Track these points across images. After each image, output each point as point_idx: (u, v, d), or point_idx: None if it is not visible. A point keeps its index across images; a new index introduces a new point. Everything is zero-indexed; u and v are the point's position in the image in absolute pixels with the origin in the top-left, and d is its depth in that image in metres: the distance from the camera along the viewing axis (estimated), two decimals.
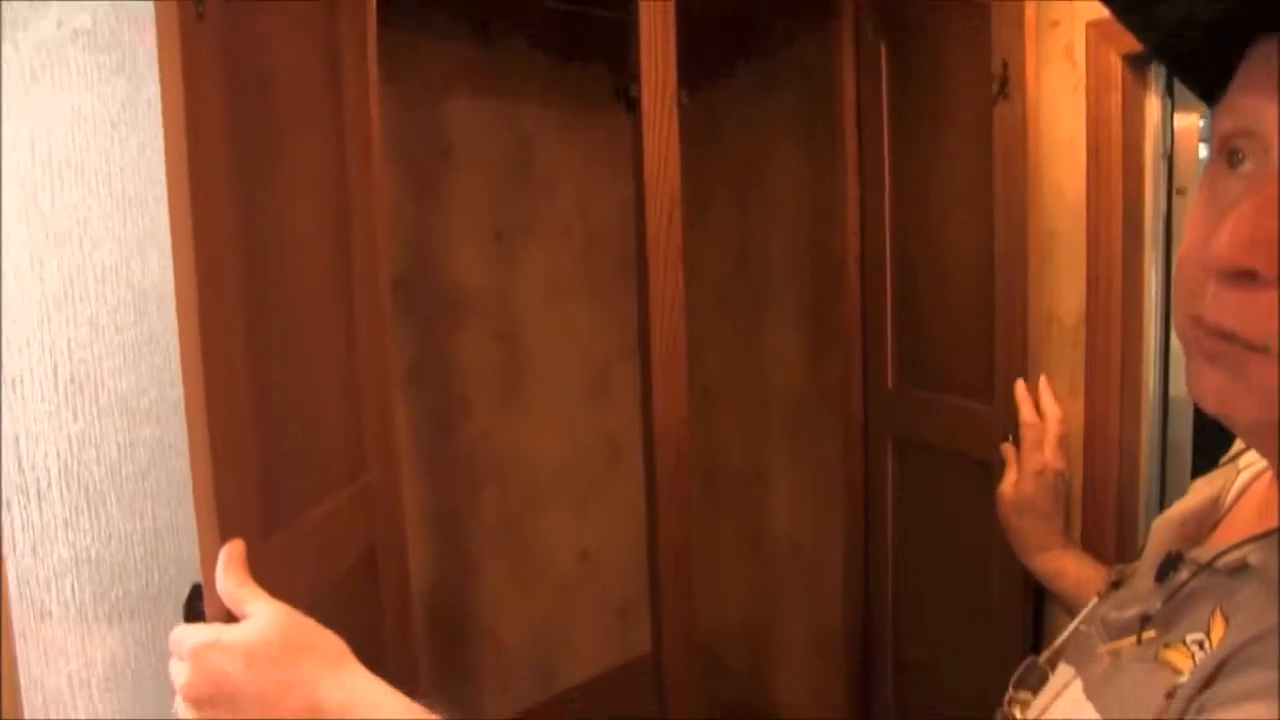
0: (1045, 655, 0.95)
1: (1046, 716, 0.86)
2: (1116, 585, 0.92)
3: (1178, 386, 1.53)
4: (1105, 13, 0.64)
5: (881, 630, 1.87)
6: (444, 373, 2.02)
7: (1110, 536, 1.47)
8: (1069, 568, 1.37)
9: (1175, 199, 1.45)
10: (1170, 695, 0.68)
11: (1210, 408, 0.64)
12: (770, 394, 2.25)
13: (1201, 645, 0.68)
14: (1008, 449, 1.50)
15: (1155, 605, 0.78)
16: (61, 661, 0.93)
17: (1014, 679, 0.96)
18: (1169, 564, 0.82)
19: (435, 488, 2.03)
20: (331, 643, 0.83)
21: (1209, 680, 0.64)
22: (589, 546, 2.37)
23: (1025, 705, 0.92)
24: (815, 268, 2.09)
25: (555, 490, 2.27)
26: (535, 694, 2.27)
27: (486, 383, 2.10)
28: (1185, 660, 0.68)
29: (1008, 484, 1.47)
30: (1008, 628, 1.53)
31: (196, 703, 0.79)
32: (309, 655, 0.80)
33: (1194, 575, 0.76)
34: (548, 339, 2.19)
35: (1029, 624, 1.53)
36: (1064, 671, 0.87)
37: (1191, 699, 0.65)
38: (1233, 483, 0.88)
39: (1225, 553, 0.73)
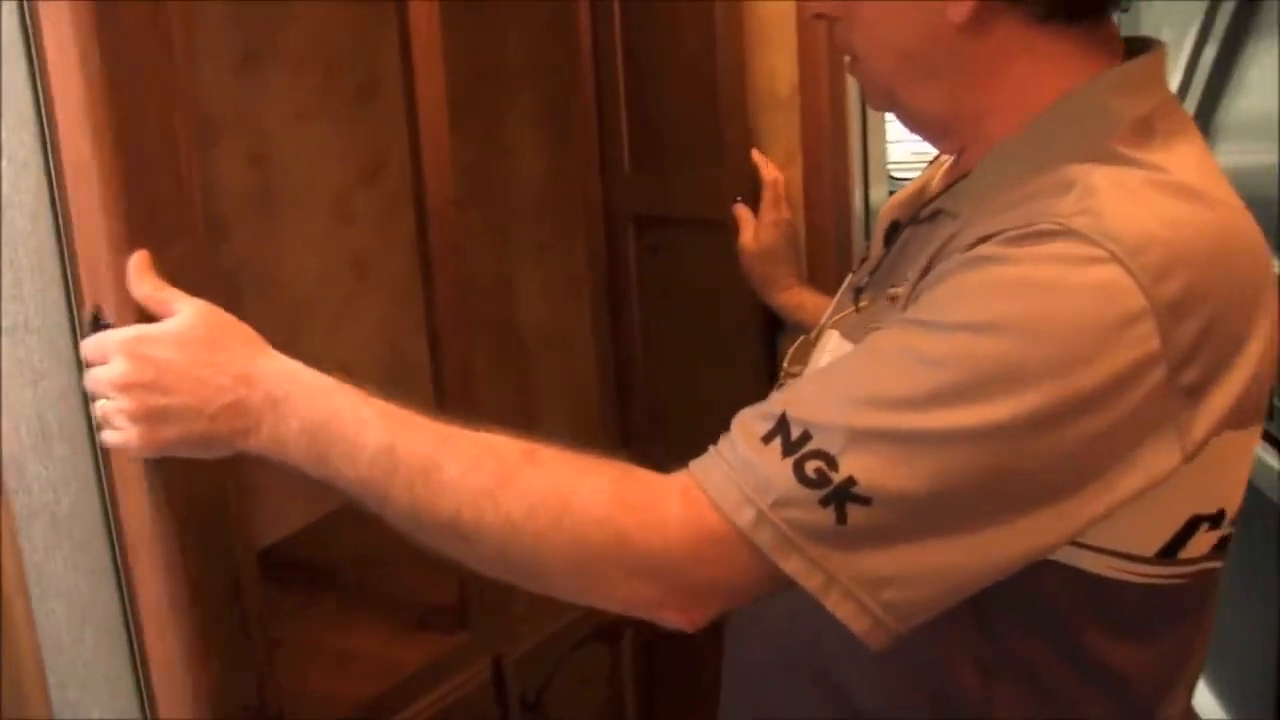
0: (814, 331, 1.14)
1: (816, 367, 1.07)
2: (863, 261, 1.14)
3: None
4: None
5: (630, 390, 2.08)
6: (204, 193, 2.03)
7: (832, 275, 1.72)
8: (806, 300, 1.64)
9: None
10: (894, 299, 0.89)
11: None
12: (514, 196, 2.37)
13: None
14: (740, 208, 1.73)
15: (881, 259, 1.02)
16: None
17: (789, 355, 1.16)
18: (892, 230, 1.04)
19: None
20: (251, 332, 0.93)
21: (920, 277, 0.85)
22: (348, 366, 2.45)
23: (799, 374, 1.10)
24: (550, 63, 2.20)
25: (311, 311, 2.33)
26: (297, 522, 2.31)
27: (242, 205, 2.12)
28: (908, 290, 0.89)
29: (747, 236, 1.71)
30: (750, 365, 1.78)
31: (131, 389, 0.88)
32: (235, 338, 0.91)
33: (904, 229, 0.99)
34: (296, 162, 2.22)
35: (767, 359, 1.82)
36: (826, 334, 1.07)
37: (910, 294, 0.85)
38: (940, 169, 1.10)
39: (924, 206, 0.97)
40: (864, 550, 0.73)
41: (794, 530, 0.73)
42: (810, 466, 0.73)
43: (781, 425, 0.76)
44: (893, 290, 0.93)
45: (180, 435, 0.89)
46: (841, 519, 0.72)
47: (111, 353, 0.90)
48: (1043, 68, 0.85)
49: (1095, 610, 0.84)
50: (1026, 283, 0.72)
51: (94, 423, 0.98)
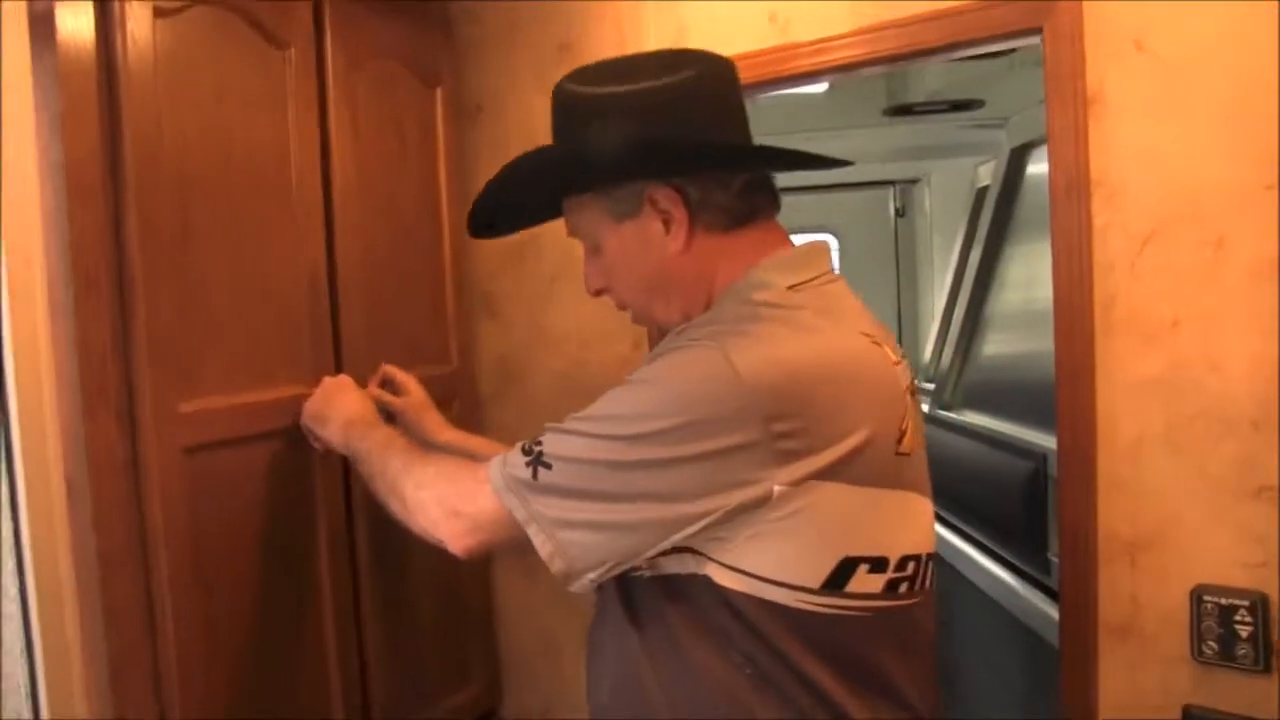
0: None
1: None
2: None
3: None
4: None
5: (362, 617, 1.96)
6: None
7: None
8: (459, 437, 1.77)
9: None
10: None
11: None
12: None
13: None
14: (387, 370, 1.85)
15: None
16: None
17: None
18: None
19: None
20: (372, 408, 1.62)
21: None
22: None
23: None
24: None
25: None
26: None
27: None
28: None
29: (407, 395, 1.82)
30: None
31: (310, 402, 1.67)
32: (365, 407, 1.61)
33: None
34: None
35: None
36: None
37: None
38: None
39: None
40: (549, 499, 1.16)
41: (511, 480, 1.19)
42: (527, 444, 1.19)
43: (534, 436, 1.20)
44: None
45: (324, 434, 1.63)
46: (535, 475, 1.16)
47: (322, 384, 1.69)
48: (733, 261, 1.26)
49: (793, 631, 1.15)
50: (676, 360, 1.15)
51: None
